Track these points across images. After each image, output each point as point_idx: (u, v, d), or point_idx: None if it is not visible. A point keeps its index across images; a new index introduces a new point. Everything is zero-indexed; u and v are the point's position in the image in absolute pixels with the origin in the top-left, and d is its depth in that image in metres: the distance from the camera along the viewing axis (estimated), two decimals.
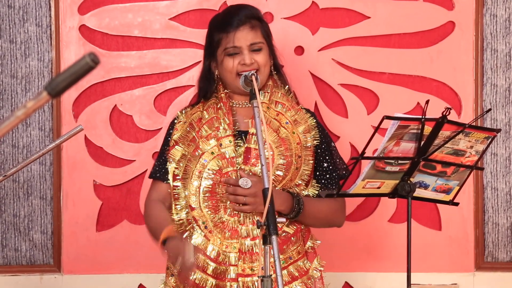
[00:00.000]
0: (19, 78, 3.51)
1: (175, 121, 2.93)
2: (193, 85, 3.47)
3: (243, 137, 2.82)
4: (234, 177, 2.76)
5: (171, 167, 2.89)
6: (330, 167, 2.89)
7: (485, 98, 3.55)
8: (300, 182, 2.84)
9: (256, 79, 2.67)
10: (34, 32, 3.50)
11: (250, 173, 2.76)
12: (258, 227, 2.38)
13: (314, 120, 2.92)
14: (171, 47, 3.54)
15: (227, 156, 2.78)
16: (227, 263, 2.76)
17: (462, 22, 3.53)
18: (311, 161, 2.86)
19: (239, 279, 2.75)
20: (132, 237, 3.53)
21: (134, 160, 3.54)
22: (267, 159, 2.47)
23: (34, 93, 3.51)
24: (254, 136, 2.80)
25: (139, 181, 3.53)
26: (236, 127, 2.85)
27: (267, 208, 2.34)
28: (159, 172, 2.93)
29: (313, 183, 2.88)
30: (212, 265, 2.76)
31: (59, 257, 3.53)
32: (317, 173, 2.89)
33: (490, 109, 3.50)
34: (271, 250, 2.35)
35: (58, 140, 2.77)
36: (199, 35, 3.45)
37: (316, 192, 2.87)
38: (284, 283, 2.77)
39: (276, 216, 2.38)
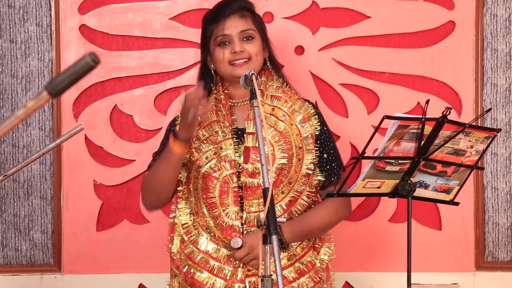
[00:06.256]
0: (19, 78, 3.50)
1: (176, 121, 2.91)
2: (194, 85, 3.46)
3: (240, 136, 2.82)
4: (235, 180, 2.77)
5: None
6: (330, 158, 2.88)
7: (485, 98, 3.54)
8: (306, 172, 2.83)
9: (256, 78, 2.66)
10: (34, 32, 3.50)
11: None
12: (258, 227, 2.38)
13: (313, 110, 2.90)
14: (172, 46, 3.53)
15: (228, 159, 2.78)
16: (236, 265, 2.78)
17: (462, 22, 3.53)
18: (313, 150, 2.85)
19: (246, 279, 2.76)
20: (132, 237, 3.53)
21: (135, 160, 3.54)
22: (267, 158, 2.47)
23: (34, 93, 3.51)
24: (250, 135, 2.79)
25: (139, 181, 3.52)
26: (234, 127, 2.85)
27: (267, 208, 2.34)
28: None
29: (317, 172, 2.87)
30: (225, 268, 2.78)
31: (59, 257, 3.53)
32: (318, 164, 2.87)
33: (490, 109, 3.50)
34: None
35: (58, 140, 2.78)
36: (199, 35, 3.45)
37: (323, 179, 2.87)
38: (292, 279, 2.79)
39: (277, 216, 2.38)
